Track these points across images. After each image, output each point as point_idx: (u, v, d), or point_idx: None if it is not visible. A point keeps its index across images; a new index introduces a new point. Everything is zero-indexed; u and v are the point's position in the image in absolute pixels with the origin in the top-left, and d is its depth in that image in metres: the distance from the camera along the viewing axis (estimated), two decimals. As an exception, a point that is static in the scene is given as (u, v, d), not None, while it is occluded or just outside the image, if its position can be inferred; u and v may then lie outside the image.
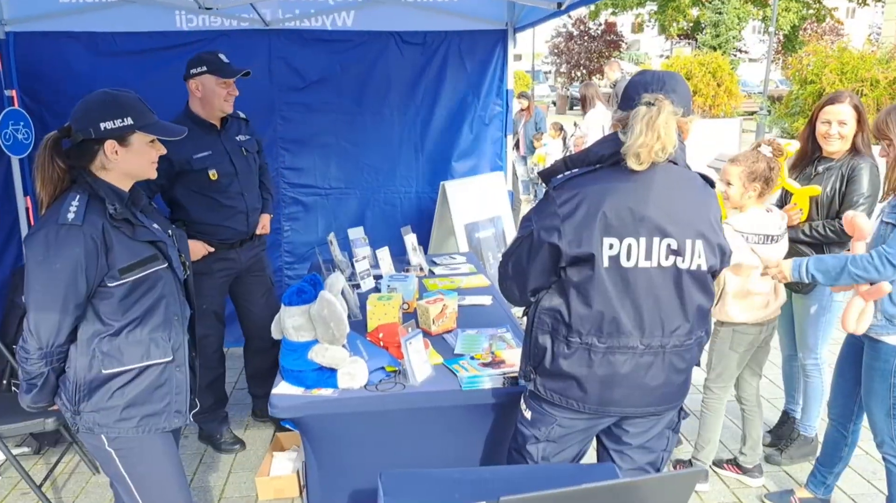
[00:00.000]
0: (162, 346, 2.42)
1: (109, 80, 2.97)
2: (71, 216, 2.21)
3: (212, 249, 3.89)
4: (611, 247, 2.22)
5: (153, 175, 2.45)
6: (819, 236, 3.59)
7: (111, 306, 2.31)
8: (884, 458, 3.19)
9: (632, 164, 2.20)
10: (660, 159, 2.20)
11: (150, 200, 2.59)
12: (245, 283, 4.19)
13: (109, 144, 2.29)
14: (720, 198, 3.47)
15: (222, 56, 3.80)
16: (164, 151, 2.45)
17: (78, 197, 2.26)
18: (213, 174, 3.80)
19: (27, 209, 4.86)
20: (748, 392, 3.75)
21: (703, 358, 2.61)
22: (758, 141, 3.52)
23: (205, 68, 3.73)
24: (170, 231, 2.56)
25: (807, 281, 3.07)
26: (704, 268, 2.29)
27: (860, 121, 3.60)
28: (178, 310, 2.50)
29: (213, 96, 3.76)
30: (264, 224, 4.19)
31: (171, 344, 2.45)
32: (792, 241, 3.56)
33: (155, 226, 2.49)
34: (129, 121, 2.29)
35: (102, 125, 2.26)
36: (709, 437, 3.74)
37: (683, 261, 2.26)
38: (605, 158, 2.28)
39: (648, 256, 2.24)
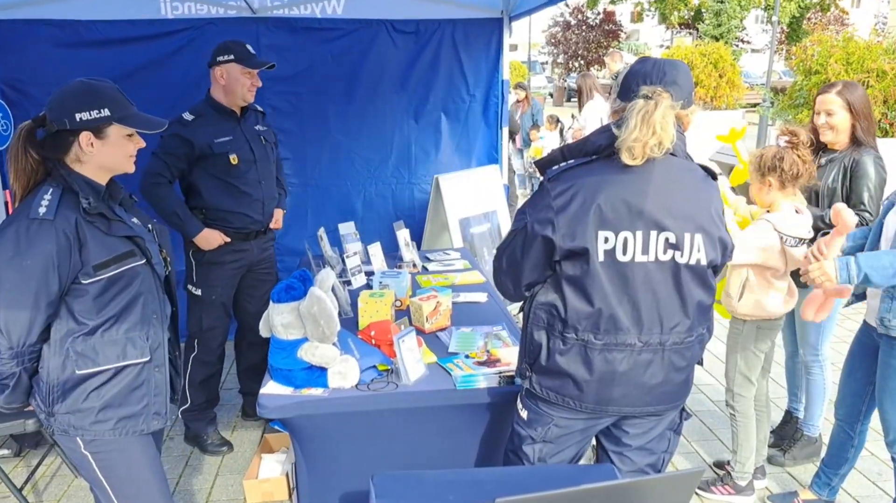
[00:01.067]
0: (139, 346, 2.40)
1: (92, 70, 2.95)
2: (42, 210, 2.19)
3: (228, 239, 3.97)
4: (606, 240, 2.22)
5: (130, 169, 2.42)
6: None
7: (85, 304, 2.29)
8: (893, 459, 3.20)
9: (625, 158, 2.19)
10: (656, 154, 2.19)
11: (131, 194, 2.58)
12: (252, 277, 4.24)
13: (85, 136, 2.26)
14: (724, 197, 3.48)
15: (248, 47, 3.91)
16: (142, 145, 2.42)
17: (51, 190, 2.24)
18: (233, 158, 3.91)
19: (6, 203, 4.85)
20: (757, 391, 3.73)
21: (707, 357, 2.60)
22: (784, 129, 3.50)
23: (231, 56, 3.84)
24: (150, 226, 2.55)
25: (856, 282, 2.90)
26: (704, 262, 2.29)
27: (852, 111, 3.61)
28: (157, 308, 2.47)
29: (236, 85, 3.87)
30: (277, 219, 4.27)
31: (150, 343, 2.43)
32: None
33: (134, 220, 2.47)
34: (105, 112, 2.26)
35: (78, 116, 2.24)
36: (751, 447, 3.65)
37: (682, 255, 2.26)
38: (603, 149, 2.27)
39: (645, 250, 2.24)
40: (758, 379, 3.63)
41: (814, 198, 3.68)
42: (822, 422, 4.01)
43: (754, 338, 3.50)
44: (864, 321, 3.29)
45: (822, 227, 3.61)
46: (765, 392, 3.74)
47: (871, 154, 3.58)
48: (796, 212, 3.39)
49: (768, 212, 3.40)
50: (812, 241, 3.49)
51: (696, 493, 3.74)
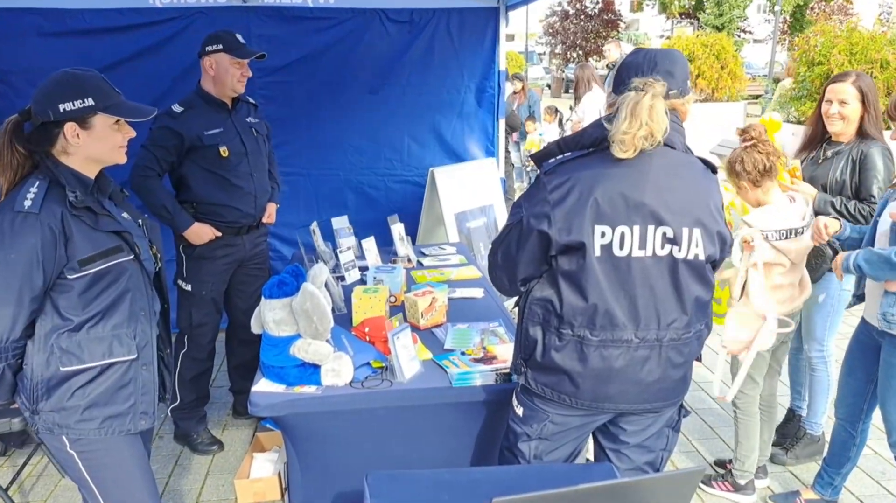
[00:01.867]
0: (126, 344, 2.39)
1: (79, 60, 2.95)
2: (27, 204, 2.18)
3: (219, 234, 3.97)
4: (602, 235, 2.23)
5: (121, 160, 2.42)
6: (849, 216, 3.59)
7: (70, 300, 2.29)
8: None
9: (616, 151, 2.20)
10: (646, 146, 2.20)
11: (122, 188, 2.57)
12: (244, 273, 4.24)
13: (70, 127, 2.25)
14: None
15: (238, 36, 3.90)
16: (132, 134, 2.41)
17: (37, 183, 2.23)
18: (223, 151, 3.90)
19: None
20: (765, 391, 3.73)
21: (708, 354, 2.60)
22: (738, 130, 3.52)
23: (220, 46, 3.82)
24: (140, 221, 2.54)
25: (853, 273, 3.04)
26: (702, 257, 2.29)
27: (865, 102, 3.62)
28: (145, 305, 2.47)
29: (226, 75, 3.86)
30: (270, 213, 4.28)
31: (137, 341, 2.42)
32: (814, 213, 3.56)
33: (124, 215, 2.46)
34: (89, 101, 2.25)
35: (61, 107, 2.23)
36: (751, 445, 3.65)
37: (680, 250, 2.26)
38: (599, 141, 2.27)
39: (643, 245, 2.24)
40: (764, 378, 3.63)
41: (821, 191, 3.69)
42: (826, 421, 4.02)
43: None
44: (863, 319, 3.29)
45: (832, 215, 3.61)
46: (772, 392, 3.74)
47: (879, 146, 3.59)
48: (790, 200, 3.39)
49: (759, 205, 3.40)
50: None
51: (697, 486, 3.75)
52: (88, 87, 2.27)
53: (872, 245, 3.11)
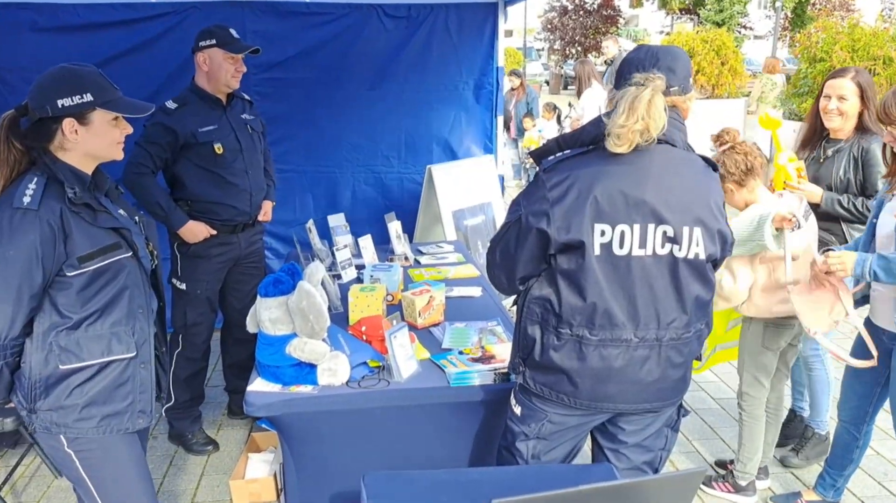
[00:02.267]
0: (125, 341, 2.40)
1: (72, 56, 2.94)
2: (27, 200, 2.19)
3: (214, 232, 3.97)
4: (602, 233, 2.23)
5: (119, 156, 2.42)
6: (856, 212, 3.59)
7: (69, 297, 2.29)
8: None
9: (610, 145, 2.20)
10: (640, 142, 2.20)
11: (117, 185, 2.57)
12: (239, 272, 4.24)
13: (68, 123, 2.26)
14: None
15: (232, 31, 3.89)
16: (130, 130, 2.42)
17: (35, 179, 2.23)
18: (218, 148, 3.89)
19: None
20: (772, 394, 3.70)
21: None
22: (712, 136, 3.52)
23: (213, 41, 3.82)
24: (137, 218, 2.55)
25: (868, 279, 2.98)
26: (703, 256, 2.30)
27: (864, 98, 3.63)
28: (143, 303, 2.47)
29: (219, 71, 3.85)
30: (266, 211, 4.27)
31: (135, 339, 2.43)
32: (822, 212, 3.57)
33: (120, 212, 2.46)
34: (88, 97, 2.25)
35: (59, 102, 2.23)
36: (755, 448, 3.65)
37: (680, 249, 2.26)
38: (599, 139, 2.28)
39: (643, 244, 2.24)
40: (772, 382, 3.61)
41: (826, 189, 3.69)
42: (829, 420, 4.02)
43: (762, 337, 3.50)
44: (868, 321, 3.27)
45: (841, 213, 3.61)
46: (779, 394, 3.72)
47: (879, 141, 3.59)
48: (779, 196, 3.40)
49: (747, 206, 3.40)
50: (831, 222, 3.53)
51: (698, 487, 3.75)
52: (87, 83, 2.27)
53: (868, 248, 3.10)
